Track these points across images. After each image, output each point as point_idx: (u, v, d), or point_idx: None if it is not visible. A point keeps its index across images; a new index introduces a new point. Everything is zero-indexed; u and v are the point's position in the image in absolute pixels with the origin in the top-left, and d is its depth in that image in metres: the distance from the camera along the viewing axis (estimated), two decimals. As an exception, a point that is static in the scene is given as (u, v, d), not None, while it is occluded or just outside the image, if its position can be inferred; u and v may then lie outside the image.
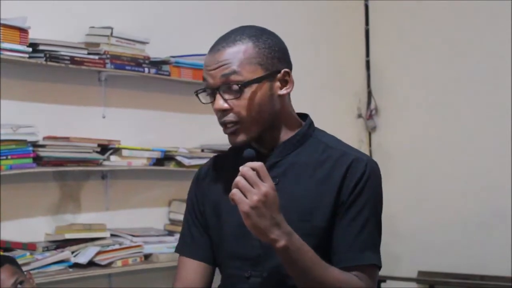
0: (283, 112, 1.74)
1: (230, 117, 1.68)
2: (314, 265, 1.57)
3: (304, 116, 1.82)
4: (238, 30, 1.73)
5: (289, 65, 1.74)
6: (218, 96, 1.68)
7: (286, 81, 1.72)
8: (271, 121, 1.72)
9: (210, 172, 1.83)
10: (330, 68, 4.87)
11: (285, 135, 1.75)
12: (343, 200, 1.66)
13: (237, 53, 1.67)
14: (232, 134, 1.70)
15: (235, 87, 1.66)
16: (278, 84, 1.71)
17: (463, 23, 4.66)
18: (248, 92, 1.67)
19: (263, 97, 1.68)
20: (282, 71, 1.71)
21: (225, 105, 1.67)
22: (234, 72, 1.66)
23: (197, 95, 1.77)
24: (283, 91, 1.71)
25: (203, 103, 1.76)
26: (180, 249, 1.88)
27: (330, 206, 1.66)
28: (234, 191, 1.51)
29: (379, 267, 1.69)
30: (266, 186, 1.51)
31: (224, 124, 1.70)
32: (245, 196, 1.50)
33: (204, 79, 1.72)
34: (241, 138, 1.70)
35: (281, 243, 1.53)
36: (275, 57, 1.70)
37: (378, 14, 5.09)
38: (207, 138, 3.92)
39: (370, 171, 1.69)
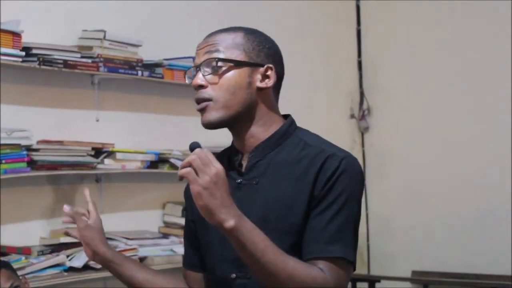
0: (264, 108, 1.76)
1: (204, 93, 1.72)
2: (266, 249, 1.55)
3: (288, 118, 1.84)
4: (238, 26, 1.79)
5: (276, 65, 1.76)
6: (198, 73, 1.73)
7: (267, 76, 1.74)
8: (247, 112, 1.74)
9: None
10: (323, 69, 4.88)
11: (265, 133, 1.76)
12: (316, 194, 1.66)
13: (227, 38, 1.74)
14: (202, 112, 1.73)
15: (214, 62, 1.70)
16: (259, 76, 1.73)
17: (455, 23, 4.68)
18: (225, 71, 1.71)
19: (239, 81, 1.71)
20: (266, 65, 1.74)
21: (202, 81, 1.72)
22: (217, 51, 1.72)
23: (185, 75, 1.82)
24: (263, 84, 1.73)
25: (187, 84, 1.80)
26: (182, 260, 1.98)
27: (305, 202, 1.67)
28: (188, 170, 1.52)
29: (351, 262, 1.67)
30: (217, 167, 1.52)
31: (197, 101, 1.74)
32: (197, 175, 1.52)
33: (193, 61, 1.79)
34: (209, 117, 1.72)
35: (230, 222, 1.52)
36: (262, 51, 1.74)
37: (370, 14, 5.11)
38: (200, 140, 3.86)
39: (345, 166, 1.67)
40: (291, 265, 1.58)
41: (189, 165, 1.53)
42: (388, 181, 4.86)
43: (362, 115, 5.06)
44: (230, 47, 1.72)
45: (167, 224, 3.87)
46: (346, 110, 5.06)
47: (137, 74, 3.58)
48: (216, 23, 4.03)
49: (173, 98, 3.92)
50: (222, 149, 1.85)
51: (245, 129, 1.76)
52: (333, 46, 5.00)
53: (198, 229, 1.85)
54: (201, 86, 1.72)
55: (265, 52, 1.74)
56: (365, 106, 5.06)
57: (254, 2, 4.45)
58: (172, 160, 3.67)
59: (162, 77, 3.69)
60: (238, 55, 1.72)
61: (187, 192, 1.86)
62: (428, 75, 4.80)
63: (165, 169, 3.70)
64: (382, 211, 4.87)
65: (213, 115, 1.71)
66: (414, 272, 4.72)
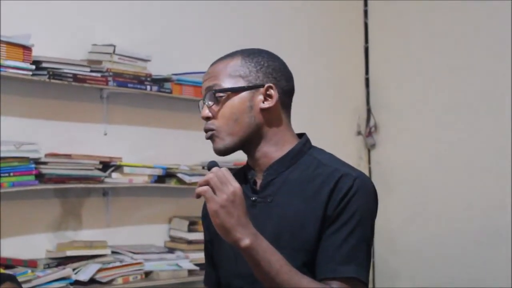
0: (272, 128, 1.77)
1: (209, 124, 1.75)
2: (281, 268, 1.57)
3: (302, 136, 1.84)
4: (238, 50, 1.81)
5: (279, 82, 1.77)
6: (204, 106, 1.76)
7: (270, 95, 1.75)
8: (254, 134, 1.75)
9: None
10: (330, 86, 4.88)
11: (279, 151, 1.77)
12: (329, 214, 1.67)
13: (224, 67, 1.76)
14: (211, 141, 1.77)
15: (212, 94, 1.74)
16: (260, 97, 1.74)
17: (463, 42, 4.68)
18: (225, 100, 1.73)
19: (240, 107, 1.73)
20: (266, 85, 1.74)
21: (208, 113, 1.75)
22: (216, 82, 1.75)
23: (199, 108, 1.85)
24: (265, 105, 1.74)
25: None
26: (204, 279, 1.99)
27: (318, 221, 1.67)
28: (205, 188, 1.55)
29: (364, 283, 1.67)
30: (234, 186, 1.55)
31: (204, 131, 1.77)
32: (215, 194, 1.54)
33: None
34: (217, 145, 1.75)
35: (246, 242, 1.54)
36: (260, 72, 1.75)
37: (378, 32, 5.12)
38: (208, 155, 3.90)
39: (359, 186, 1.69)
40: (305, 284, 1.59)
41: (207, 183, 1.55)
42: (394, 198, 4.84)
43: (369, 132, 5.06)
44: (227, 76, 1.74)
45: (173, 239, 3.87)
46: (353, 127, 5.06)
47: (146, 89, 3.60)
48: (225, 40, 4.10)
49: (182, 113, 3.93)
50: (233, 164, 1.86)
51: (257, 149, 1.77)
52: (340, 63, 5.01)
53: (213, 246, 1.87)
54: (208, 118, 1.75)
55: (263, 72, 1.75)
56: (372, 123, 5.06)
57: (262, 19, 4.46)
58: (179, 175, 3.68)
59: (171, 92, 3.70)
60: (235, 82, 1.74)
61: (205, 211, 1.88)
62: (436, 93, 4.81)
63: (172, 183, 3.70)
64: (387, 228, 4.86)
65: (220, 143, 1.74)
66: (420, 290, 4.72)
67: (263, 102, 1.74)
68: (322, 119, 4.74)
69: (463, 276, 4.55)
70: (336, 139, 4.68)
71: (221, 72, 1.75)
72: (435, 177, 4.77)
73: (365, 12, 5.14)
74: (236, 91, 1.73)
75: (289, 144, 1.78)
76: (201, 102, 1.79)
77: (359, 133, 5.07)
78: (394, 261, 4.87)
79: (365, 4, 5.15)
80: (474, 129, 4.61)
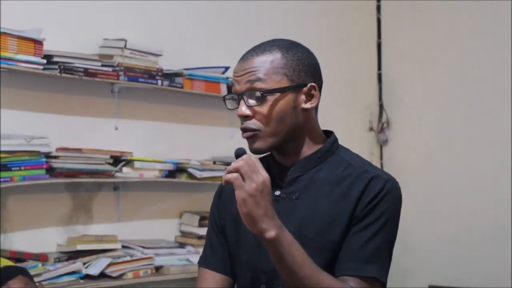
0: (307, 127, 1.75)
1: (251, 124, 1.70)
2: (304, 263, 1.56)
3: (329, 134, 1.83)
4: (270, 41, 1.75)
5: (317, 80, 1.75)
6: (242, 102, 1.70)
7: (311, 95, 1.73)
8: (293, 133, 1.72)
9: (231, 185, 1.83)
10: (342, 81, 4.86)
11: (308, 149, 1.76)
12: (357, 213, 1.67)
13: (265, 62, 1.69)
14: (249, 140, 1.72)
15: (258, 94, 1.68)
16: (303, 97, 1.72)
17: (476, 38, 4.65)
18: (270, 100, 1.68)
19: (285, 108, 1.69)
20: (309, 85, 1.72)
21: (248, 111, 1.69)
22: (259, 79, 1.68)
23: (224, 100, 1.79)
24: (308, 105, 1.72)
25: (229, 109, 1.78)
26: (201, 261, 1.91)
27: (345, 221, 1.67)
28: (236, 176, 1.52)
29: (383, 284, 1.67)
30: (264, 175, 1.52)
31: (243, 130, 1.72)
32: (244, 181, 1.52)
33: (231, 86, 1.76)
34: (258, 145, 1.71)
35: (271, 233, 1.52)
36: (302, 70, 1.71)
37: (390, 27, 5.09)
38: (219, 150, 3.93)
39: (389, 188, 1.69)
40: (326, 281, 1.58)
41: (236, 170, 1.52)
42: (406, 194, 4.73)
43: (381, 128, 5.04)
44: (270, 73, 1.68)
45: (183, 234, 3.87)
46: (365, 122, 5.05)
47: (157, 84, 3.59)
48: (236, 36, 4.08)
49: (193, 108, 3.93)
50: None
51: (291, 148, 1.75)
52: (353, 58, 4.99)
53: (228, 236, 1.84)
54: (246, 116, 1.70)
55: (305, 70, 1.72)
56: (384, 119, 5.04)
57: (274, 14, 4.45)
58: (190, 170, 3.67)
59: (182, 87, 3.69)
60: (280, 81, 1.68)
61: (221, 193, 1.88)
62: (448, 89, 4.78)
63: (182, 178, 3.70)
64: (399, 225, 4.83)
65: (262, 144, 1.70)
66: (431, 287, 4.69)
67: (305, 102, 1.72)
68: (334, 115, 4.70)
69: (475, 273, 4.52)
70: (348, 135, 4.62)
71: (262, 68, 1.69)
72: (447, 174, 4.75)
73: (378, 8, 5.12)
74: (283, 91, 1.68)
75: (319, 142, 1.77)
76: (230, 96, 1.75)
77: (371, 129, 5.06)
78: (406, 258, 4.85)
79: (378, 0, 5.13)
80: (487, 126, 4.58)
